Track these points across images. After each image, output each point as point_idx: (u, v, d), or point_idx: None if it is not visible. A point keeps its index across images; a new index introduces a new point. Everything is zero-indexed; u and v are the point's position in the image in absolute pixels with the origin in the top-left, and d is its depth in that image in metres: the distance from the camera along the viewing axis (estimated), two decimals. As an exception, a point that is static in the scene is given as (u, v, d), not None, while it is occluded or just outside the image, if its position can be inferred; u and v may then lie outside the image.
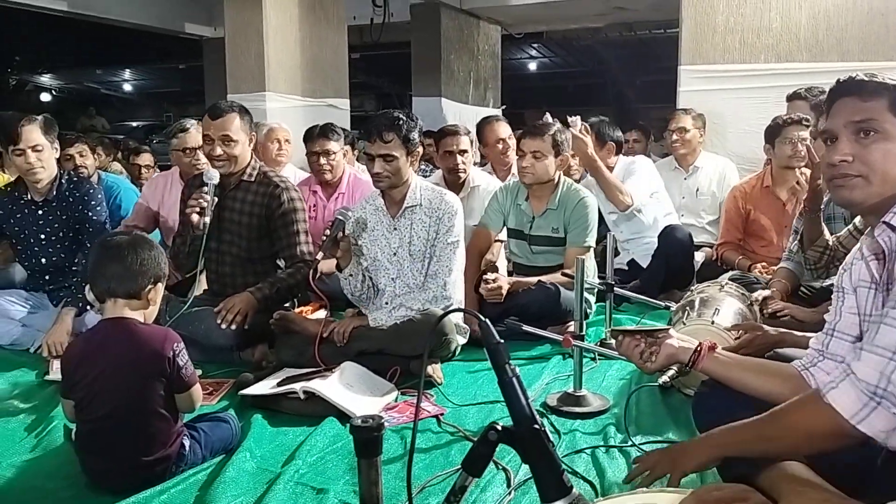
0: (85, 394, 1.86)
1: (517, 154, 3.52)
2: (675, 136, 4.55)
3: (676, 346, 1.79)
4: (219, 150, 3.04)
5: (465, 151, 3.99)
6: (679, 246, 3.85)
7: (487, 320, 0.99)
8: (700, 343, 1.77)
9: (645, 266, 3.99)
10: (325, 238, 2.75)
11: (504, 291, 3.19)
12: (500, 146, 4.48)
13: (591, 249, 3.41)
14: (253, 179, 3.16)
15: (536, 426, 0.96)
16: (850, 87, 1.45)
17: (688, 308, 2.70)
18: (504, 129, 4.54)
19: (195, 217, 2.98)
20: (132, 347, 1.87)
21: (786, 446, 1.43)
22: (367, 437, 1.03)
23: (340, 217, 2.78)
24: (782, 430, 1.40)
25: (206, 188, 3.01)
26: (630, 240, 4.14)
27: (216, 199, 3.04)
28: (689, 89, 5.07)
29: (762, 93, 4.92)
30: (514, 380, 0.96)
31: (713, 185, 4.50)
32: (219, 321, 2.86)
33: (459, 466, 1.05)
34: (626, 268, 4.11)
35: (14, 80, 13.99)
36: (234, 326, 2.87)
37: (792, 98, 4.13)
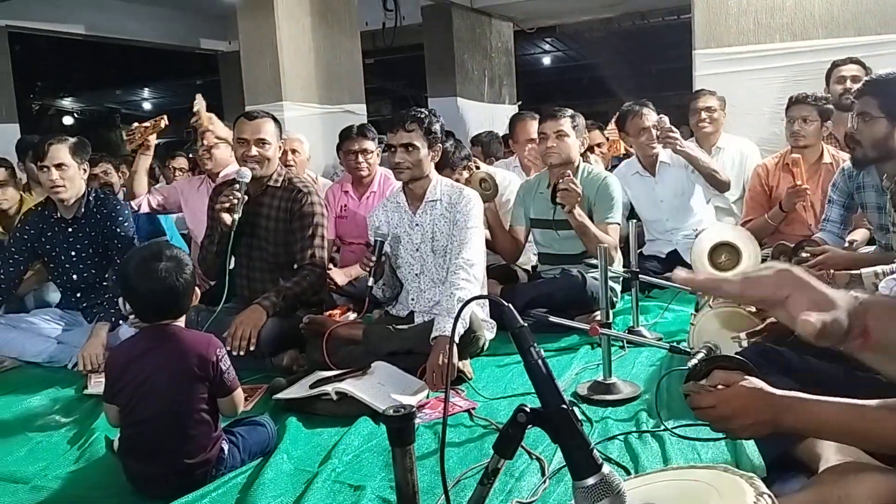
0: (130, 398, 1.91)
1: (538, 137, 3.55)
2: (703, 115, 4.41)
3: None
4: (254, 151, 3.12)
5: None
6: None
7: (510, 304, 1.01)
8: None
9: (688, 261, 3.89)
10: (371, 264, 2.88)
11: (580, 191, 3.23)
12: (531, 146, 4.48)
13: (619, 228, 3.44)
14: (279, 185, 3.23)
15: (564, 406, 0.98)
16: None
17: (714, 290, 2.69)
18: (536, 128, 4.52)
19: (225, 215, 3.03)
20: (178, 351, 1.93)
21: None
22: (400, 425, 1.05)
23: (380, 238, 2.87)
24: None
25: (236, 186, 3.07)
26: (676, 228, 4.04)
27: (246, 197, 3.09)
28: (705, 73, 5.03)
29: (779, 72, 4.88)
30: (540, 361, 0.98)
31: (735, 165, 4.45)
32: (228, 348, 2.75)
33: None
34: (663, 256, 4.05)
35: (37, 106, 14.22)
36: (242, 352, 2.81)
37: (842, 63, 4.08)
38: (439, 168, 3.72)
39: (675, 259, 3.99)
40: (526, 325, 0.98)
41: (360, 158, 4.12)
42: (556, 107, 3.56)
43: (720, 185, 3.82)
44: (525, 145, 4.54)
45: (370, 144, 4.14)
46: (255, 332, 2.84)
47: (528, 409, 1.01)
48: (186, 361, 1.91)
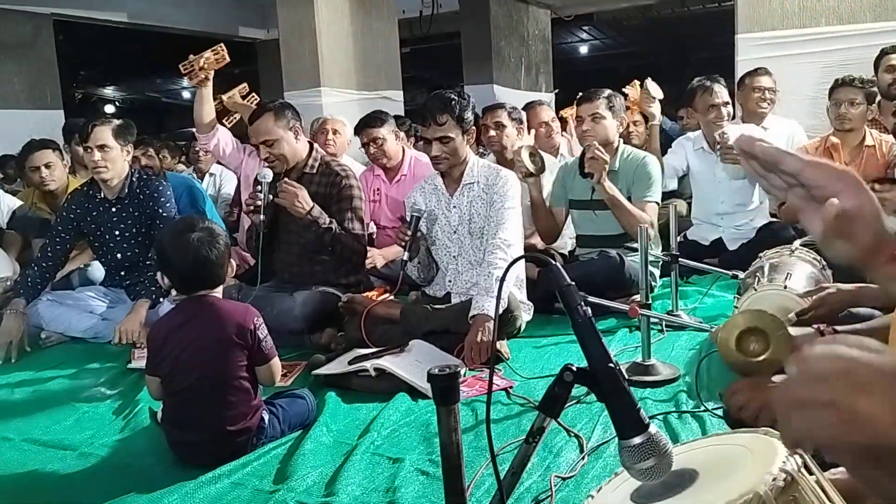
0: (171, 367, 1.95)
1: (576, 121, 3.54)
2: (766, 95, 4.25)
3: None
4: (265, 154, 3.17)
5: (502, 125, 3.96)
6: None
7: (558, 263, 1.01)
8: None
9: (732, 249, 3.82)
10: (406, 238, 2.87)
11: (607, 158, 3.20)
12: (544, 129, 4.63)
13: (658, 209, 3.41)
14: (315, 171, 3.24)
15: (611, 364, 0.98)
16: None
17: (758, 274, 2.64)
18: (546, 113, 4.74)
19: (253, 216, 3.12)
20: (216, 320, 1.97)
21: None
22: (446, 384, 1.06)
23: (416, 214, 2.88)
24: None
25: (259, 188, 3.12)
26: (728, 214, 3.94)
27: (270, 196, 3.12)
28: (747, 58, 4.91)
29: (825, 57, 4.77)
30: (588, 320, 0.98)
31: (781, 146, 4.32)
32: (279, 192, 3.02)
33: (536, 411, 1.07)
34: (706, 243, 3.96)
35: (80, 94, 14.50)
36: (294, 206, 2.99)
37: (891, 51, 3.98)
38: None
39: (718, 246, 3.91)
40: (573, 283, 0.98)
41: (372, 147, 4.15)
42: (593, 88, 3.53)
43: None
44: (539, 129, 4.64)
45: (380, 132, 4.12)
46: (300, 197, 3.00)
47: (574, 368, 1.00)
48: (225, 330, 1.95)
